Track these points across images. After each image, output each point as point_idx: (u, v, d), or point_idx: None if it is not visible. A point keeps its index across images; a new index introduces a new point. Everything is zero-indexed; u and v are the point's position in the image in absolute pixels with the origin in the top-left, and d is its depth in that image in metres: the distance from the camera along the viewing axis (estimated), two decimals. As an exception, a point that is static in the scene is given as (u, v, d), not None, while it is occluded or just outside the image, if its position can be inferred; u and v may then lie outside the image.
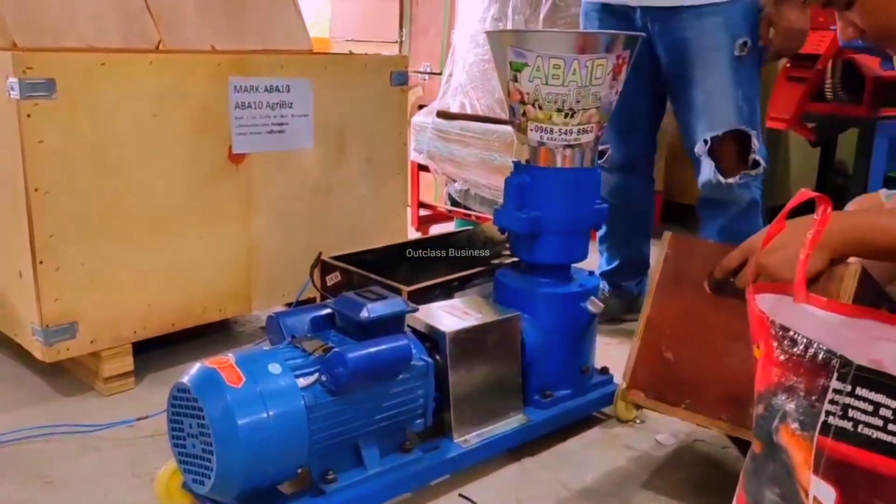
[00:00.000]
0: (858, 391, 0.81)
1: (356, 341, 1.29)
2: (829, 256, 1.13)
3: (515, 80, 1.50)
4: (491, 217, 1.67)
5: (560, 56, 1.45)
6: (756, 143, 1.93)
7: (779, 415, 0.88)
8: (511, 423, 1.50)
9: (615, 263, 2.29)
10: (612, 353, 1.90)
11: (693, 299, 1.38)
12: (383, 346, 1.27)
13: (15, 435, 1.57)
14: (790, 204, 1.01)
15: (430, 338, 1.42)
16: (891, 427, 0.79)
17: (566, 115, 1.50)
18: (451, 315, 1.47)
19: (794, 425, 0.86)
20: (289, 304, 1.99)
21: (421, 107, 3.44)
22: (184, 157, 1.82)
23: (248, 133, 1.92)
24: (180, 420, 1.20)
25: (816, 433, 0.83)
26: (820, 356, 0.85)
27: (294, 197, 2.06)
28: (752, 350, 0.96)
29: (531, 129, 1.54)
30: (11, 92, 1.54)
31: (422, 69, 3.66)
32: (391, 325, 1.33)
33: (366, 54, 2.27)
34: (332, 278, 1.74)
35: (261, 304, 2.04)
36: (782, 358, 0.89)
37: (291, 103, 1.99)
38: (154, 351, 1.90)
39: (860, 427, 0.80)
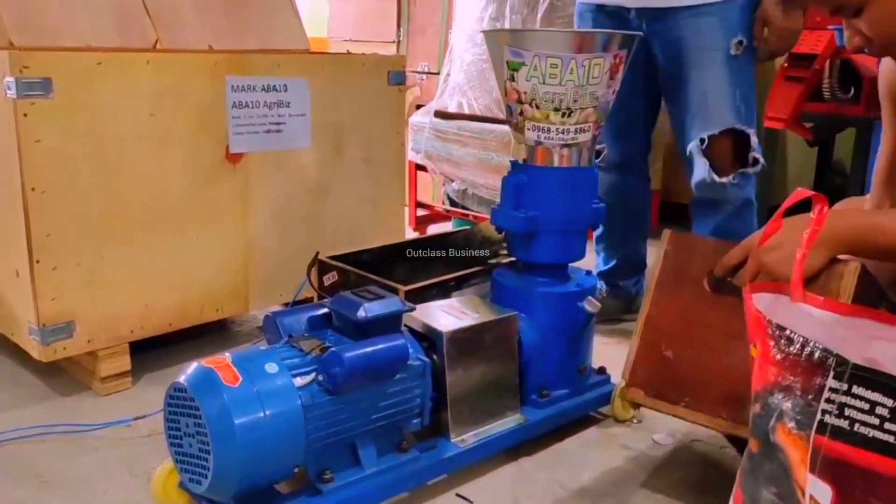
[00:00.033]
0: (855, 390, 0.81)
1: (353, 341, 1.29)
2: (829, 254, 1.13)
3: (512, 79, 1.50)
4: (488, 217, 1.66)
5: (557, 55, 1.45)
6: (755, 141, 1.93)
7: (775, 414, 0.89)
8: (508, 422, 1.50)
9: (612, 263, 2.29)
10: (610, 353, 1.90)
11: (693, 297, 1.38)
12: (380, 346, 1.27)
13: (11, 434, 1.57)
14: (787, 203, 1.01)
15: (428, 337, 1.42)
16: (887, 426, 0.79)
17: (563, 115, 1.50)
18: (448, 315, 1.47)
19: (791, 424, 0.86)
20: (286, 304, 1.99)
21: (419, 106, 3.44)
22: (181, 157, 1.82)
23: (245, 133, 1.92)
24: (177, 419, 1.20)
25: (813, 432, 0.83)
26: (816, 355, 0.85)
27: (291, 196, 2.06)
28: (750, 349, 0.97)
29: (528, 129, 1.54)
30: (8, 91, 1.54)
31: (419, 69, 3.66)
32: (388, 324, 1.33)
33: (363, 54, 2.27)
34: (330, 278, 1.74)
35: (258, 303, 2.04)
36: (779, 357, 0.89)
37: (289, 103, 1.99)
38: (151, 350, 1.90)
39: (856, 426, 0.81)
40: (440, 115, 3.12)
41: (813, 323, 0.97)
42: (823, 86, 2.71)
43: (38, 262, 1.62)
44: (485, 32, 1.62)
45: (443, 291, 1.64)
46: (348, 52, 2.38)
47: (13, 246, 1.65)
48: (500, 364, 1.49)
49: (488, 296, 1.66)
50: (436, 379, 1.39)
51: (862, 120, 2.73)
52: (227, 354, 1.23)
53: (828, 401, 0.82)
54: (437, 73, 3.46)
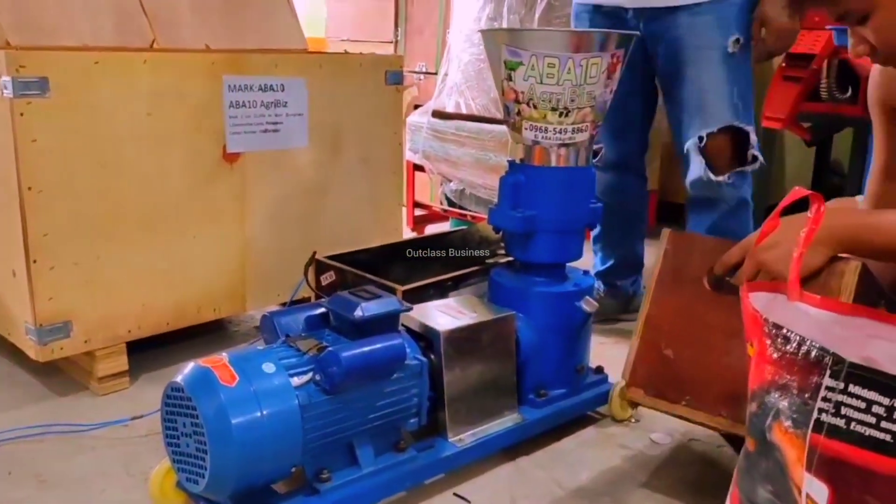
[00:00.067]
0: (851, 388, 0.81)
1: (350, 340, 1.29)
2: (829, 252, 1.13)
3: (510, 78, 1.50)
4: (486, 216, 1.66)
5: (555, 55, 1.45)
6: (754, 139, 1.93)
7: (772, 412, 0.89)
8: (506, 422, 1.50)
9: (610, 263, 2.29)
10: (607, 353, 1.90)
11: (692, 296, 1.38)
12: (377, 346, 1.26)
13: (9, 434, 1.56)
14: (784, 202, 1.01)
15: (425, 337, 1.41)
16: (883, 424, 0.79)
17: (561, 114, 1.50)
18: (445, 314, 1.47)
19: (787, 423, 0.86)
20: (283, 304, 1.99)
21: (416, 106, 3.44)
22: (178, 157, 1.82)
23: (242, 132, 1.92)
24: (174, 419, 1.20)
25: (809, 431, 0.83)
26: (813, 354, 0.85)
27: (289, 196, 2.06)
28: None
29: (526, 129, 1.54)
30: (4, 90, 1.54)
31: (417, 69, 3.66)
32: (385, 324, 1.33)
33: (361, 53, 2.27)
34: (327, 277, 1.73)
35: (255, 303, 2.04)
36: (776, 356, 0.89)
37: (286, 102, 1.99)
38: (149, 350, 1.90)
39: (853, 424, 0.81)
40: (438, 114, 3.12)
41: (810, 322, 0.97)
42: (821, 86, 2.72)
43: (34, 261, 1.62)
44: (482, 32, 1.62)
45: (440, 291, 1.64)
46: (346, 52, 2.38)
47: (10, 246, 1.65)
48: (497, 364, 1.49)
49: (486, 295, 1.66)
50: (433, 378, 1.39)
51: (860, 120, 2.72)
52: (223, 354, 1.23)
53: (824, 399, 0.82)
54: (435, 73, 3.46)
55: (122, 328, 1.78)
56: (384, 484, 1.32)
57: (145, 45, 1.96)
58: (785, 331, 0.88)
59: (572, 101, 1.49)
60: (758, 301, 0.98)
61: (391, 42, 3.79)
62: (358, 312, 1.29)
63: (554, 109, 1.49)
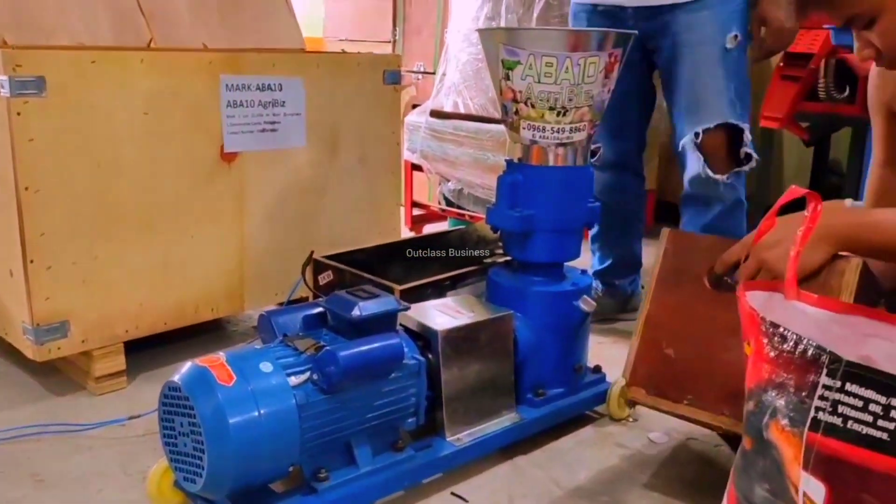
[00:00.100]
0: (848, 387, 0.81)
1: (348, 340, 1.29)
2: (831, 250, 1.13)
3: (508, 78, 1.50)
4: (484, 216, 1.66)
5: (552, 54, 1.45)
6: (748, 137, 1.93)
7: (769, 411, 0.89)
8: (503, 421, 1.50)
9: (608, 262, 2.29)
10: (605, 352, 1.90)
11: (693, 295, 1.37)
12: (375, 345, 1.26)
13: (6, 434, 1.56)
14: (781, 200, 1.01)
15: (423, 336, 1.41)
16: (880, 423, 0.79)
17: (558, 114, 1.50)
18: (443, 314, 1.47)
19: (784, 421, 0.86)
20: (281, 304, 1.99)
21: (414, 106, 3.44)
22: (175, 156, 1.81)
23: (239, 132, 1.91)
24: (171, 419, 1.20)
25: (806, 429, 0.83)
26: (810, 352, 0.85)
27: (286, 196, 2.06)
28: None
29: (523, 128, 1.54)
30: (1, 90, 1.54)
31: (415, 68, 3.66)
32: (383, 323, 1.33)
33: (358, 53, 2.27)
34: (325, 277, 1.73)
35: (253, 303, 2.04)
36: (772, 354, 0.89)
37: (284, 102, 1.99)
38: (146, 350, 1.90)
39: (850, 423, 0.81)
40: (436, 114, 3.12)
41: (807, 320, 0.97)
42: (819, 85, 2.71)
43: (32, 261, 1.62)
44: (480, 31, 1.62)
45: (438, 291, 1.64)
46: (343, 52, 2.38)
47: (7, 245, 1.65)
48: (495, 363, 1.49)
49: (484, 295, 1.66)
50: (431, 378, 1.39)
51: (858, 119, 2.73)
52: (221, 354, 1.23)
53: (821, 398, 0.82)
54: (433, 73, 3.45)
55: (120, 328, 1.77)
56: (382, 483, 1.32)
57: (142, 45, 1.96)
58: (782, 329, 0.88)
59: (570, 100, 1.49)
60: (755, 300, 0.98)
61: (389, 42, 3.79)
62: (356, 312, 1.29)
63: (552, 109, 1.49)
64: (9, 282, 1.68)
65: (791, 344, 0.87)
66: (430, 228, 3.31)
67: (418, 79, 3.67)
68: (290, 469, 1.23)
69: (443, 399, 1.41)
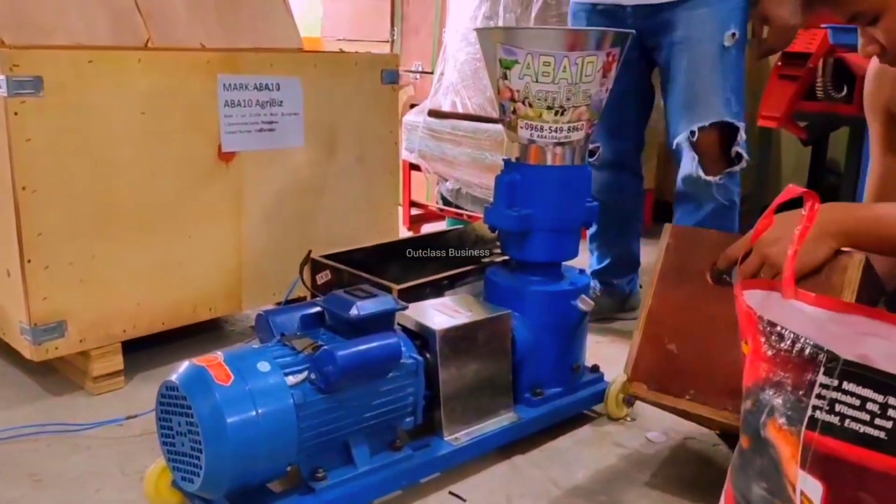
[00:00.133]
0: (845, 386, 0.81)
1: (346, 339, 1.29)
2: (835, 244, 1.13)
3: (505, 77, 1.50)
4: (482, 216, 1.66)
5: (550, 53, 1.45)
6: (742, 136, 1.94)
7: (766, 410, 0.89)
8: (501, 420, 1.50)
9: (606, 262, 2.29)
10: (603, 352, 1.91)
11: (695, 290, 1.36)
12: (373, 344, 1.26)
13: (4, 434, 1.56)
14: (778, 199, 1.01)
15: (421, 336, 1.41)
16: (878, 421, 0.79)
17: (556, 113, 1.50)
18: (441, 313, 1.47)
19: (782, 420, 0.86)
20: (279, 303, 1.99)
21: (412, 106, 3.44)
22: (173, 156, 1.81)
23: (237, 131, 1.91)
24: (169, 418, 1.20)
25: (803, 428, 0.83)
26: (807, 351, 0.85)
27: (284, 195, 2.06)
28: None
29: (521, 127, 1.54)
30: (-1, 89, 1.54)
31: (413, 68, 3.66)
32: (381, 323, 1.33)
33: (356, 52, 2.27)
34: (322, 276, 1.73)
35: (251, 302, 2.04)
36: (770, 353, 0.89)
37: (281, 101, 1.99)
38: (144, 350, 1.89)
39: (847, 421, 0.81)
40: (434, 114, 3.12)
41: (804, 319, 0.97)
42: (817, 85, 2.71)
43: (29, 261, 1.61)
44: (478, 31, 1.62)
45: (436, 290, 1.64)
46: (341, 51, 2.38)
47: (4, 245, 1.65)
48: (493, 362, 1.49)
49: (482, 294, 1.66)
50: (429, 377, 1.39)
51: (856, 119, 2.72)
52: (218, 353, 1.23)
53: (818, 397, 0.82)
54: (431, 73, 3.45)
55: (118, 328, 1.77)
56: (380, 483, 1.32)
57: (140, 44, 1.95)
58: (779, 328, 0.88)
59: (568, 99, 1.49)
60: (752, 299, 0.98)
61: (387, 41, 3.79)
62: (353, 311, 1.29)
63: (550, 108, 1.49)
64: (6, 282, 1.68)
65: (788, 343, 0.87)
66: (428, 228, 3.31)
67: (416, 78, 3.67)
68: (288, 468, 1.23)
69: (441, 398, 1.41)
